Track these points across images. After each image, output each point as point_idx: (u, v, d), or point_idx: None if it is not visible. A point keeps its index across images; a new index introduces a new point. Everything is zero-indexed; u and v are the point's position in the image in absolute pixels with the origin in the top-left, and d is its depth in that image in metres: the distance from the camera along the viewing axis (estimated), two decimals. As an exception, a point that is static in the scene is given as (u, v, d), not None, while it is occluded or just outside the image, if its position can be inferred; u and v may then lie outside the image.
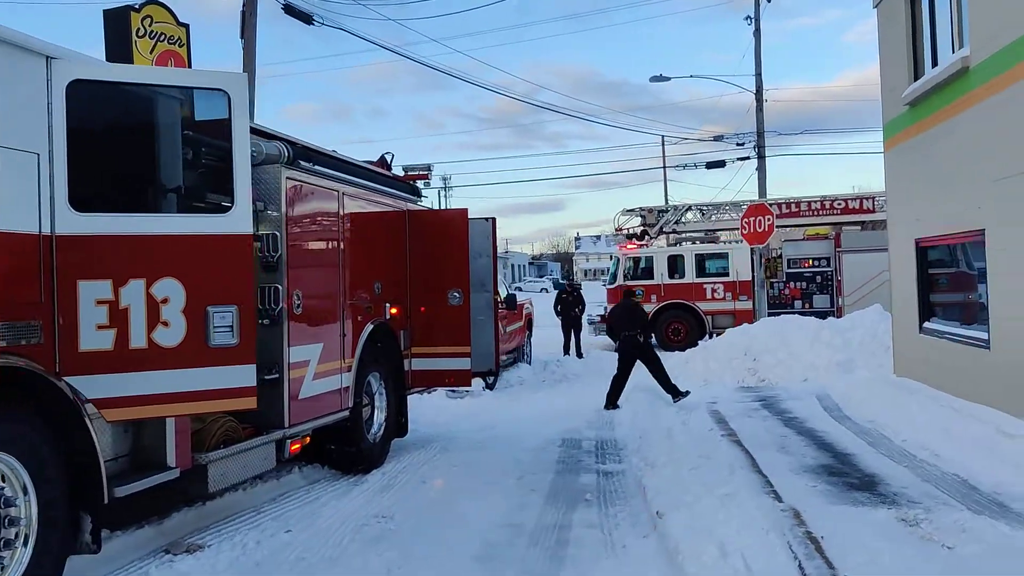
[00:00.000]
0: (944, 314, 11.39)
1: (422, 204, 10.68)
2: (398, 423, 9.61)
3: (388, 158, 10.62)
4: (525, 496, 7.73)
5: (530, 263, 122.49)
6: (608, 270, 26.68)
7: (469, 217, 10.23)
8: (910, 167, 11.94)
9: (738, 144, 36.03)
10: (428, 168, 10.55)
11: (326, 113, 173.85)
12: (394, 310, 9.37)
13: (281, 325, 7.11)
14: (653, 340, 13.61)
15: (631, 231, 25.65)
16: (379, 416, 9.18)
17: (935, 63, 10.92)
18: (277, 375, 7.09)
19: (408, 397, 10.00)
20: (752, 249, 22.70)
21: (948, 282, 11.64)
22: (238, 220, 5.53)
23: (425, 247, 9.77)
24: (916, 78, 11.46)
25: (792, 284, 23.17)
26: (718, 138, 37.01)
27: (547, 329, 30.38)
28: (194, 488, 6.18)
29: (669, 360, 17.42)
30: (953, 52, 10.23)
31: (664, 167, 56.03)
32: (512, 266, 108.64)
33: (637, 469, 8.41)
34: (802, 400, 13.44)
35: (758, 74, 35.72)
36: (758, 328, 17.02)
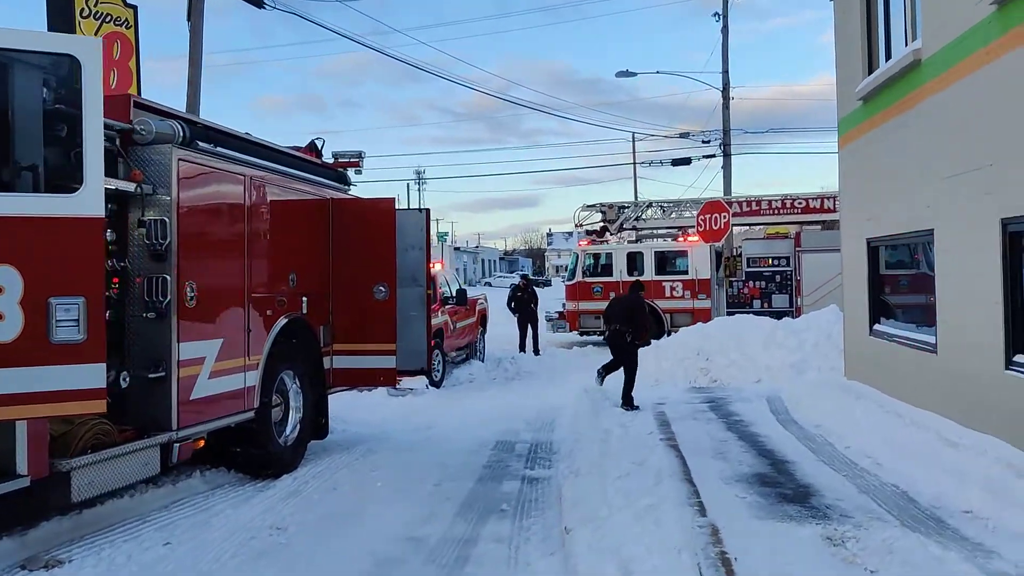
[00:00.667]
0: (894, 317, 11.01)
1: (353, 193, 10.12)
2: (317, 424, 9.07)
3: (319, 144, 10.07)
4: (438, 505, 7.22)
5: (501, 258, 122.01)
6: (567, 267, 26.18)
7: (400, 208, 9.70)
8: (862, 165, 11.56)
9: (704, 142, 35.73)
10: (359, 155, 9.99)
11: (298, 105, 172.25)
12: (313, 304, 8.80)
13: (169, 319, 6.53)
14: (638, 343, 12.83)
15: (592, 227, 25.19)
16: (294, 417, 8.63)
17: (888, 56, 10.52)
18: (163, 373, 6.51)
19: (330, 396, 9.46)
20: (711, 247, 22.39)
21: (899, 284, 11.27)
22: (87, 201, 4.96)
23: (350, 238, 9.21)
24: (870, 72, 11.06)
25: (751, 283, 22.85)
26: (684, 135, 36.66)
27: (507, 326, 30.01)
28: (55, 498, 5.61)
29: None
30: (906, 45, 9.82)
31: (635, 163, 55.88)
32: (483, 261, 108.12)
33: (563, 476, 7.93)
34: (751, 402, 13.06)
35: (725, 71, 35.37)
36: (712, 328, 16.63)
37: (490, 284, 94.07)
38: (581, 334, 23.73)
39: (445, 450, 9.45)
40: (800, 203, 23.02)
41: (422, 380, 14.46)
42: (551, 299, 28.62)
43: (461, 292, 17.27)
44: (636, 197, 45.86)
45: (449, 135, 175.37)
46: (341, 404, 12.28)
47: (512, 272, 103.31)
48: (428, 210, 9.91)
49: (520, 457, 9.13)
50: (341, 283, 9.20)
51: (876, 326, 11.28)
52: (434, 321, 16.05)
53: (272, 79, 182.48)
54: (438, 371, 15.86)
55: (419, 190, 78.43)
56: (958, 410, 8.39)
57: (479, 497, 7.47)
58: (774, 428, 10.58)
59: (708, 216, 17.84)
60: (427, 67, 63.95)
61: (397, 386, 11.10)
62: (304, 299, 8.56)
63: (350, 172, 10.08)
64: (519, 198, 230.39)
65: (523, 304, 21.55)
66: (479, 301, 19.80)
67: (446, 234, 53.06)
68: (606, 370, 13.26)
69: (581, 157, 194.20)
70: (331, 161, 9.97)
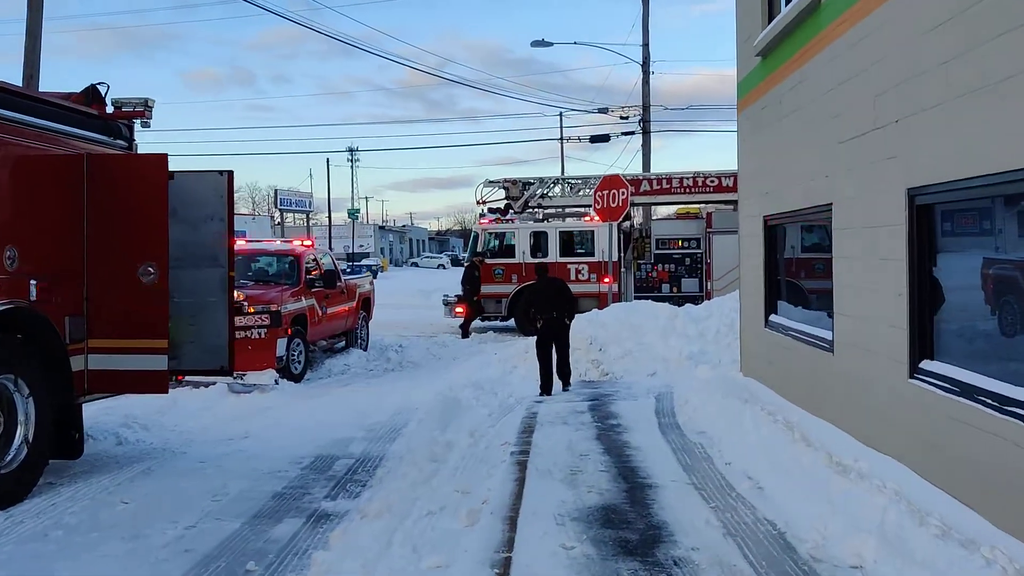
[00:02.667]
0: (791, 307, 9.55)
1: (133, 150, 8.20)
2: (64, 440, 7.21)
3: (102, 90, 8.16)
4: (168, 563, 5.45)
5: (431, 239, 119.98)
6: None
7: (194, 170, 7.86)
8: (759, 132, 10.05)
9: (622, 118, 34.32)
10: (145, 104, 8.09)
11: (229, 79, 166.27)
12: (49, 289, 6.90)
13: None
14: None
15: (495, 205, 23.48)
16: (20, 433, 6.75)
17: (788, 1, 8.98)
18: None
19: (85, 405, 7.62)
20: (612, 226, 20.87)
21: (797, 269, 9.81)
22: None
23: (110, 206, 7.35)
24: (769, 21, 9.52)
25: (660, 266, 21.45)
26: (602, 110, 35.24)
27: (415, 311, 28.20)
28: None
29: (510, 348, 15.44)
30: (808, -14, 8.28)
31: (561, 139, 54.49)
32: (411, 240, 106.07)
33: (351, 515, 6.23)
34: (638, 400, 11.60)
35: (645, 44, 33.98)
36: (607, 315, 15.10)
37: (416, 264, 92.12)
38: (483, 319, 22.09)
39: (240, 471, 7.70)
40: (712, 181, 21.63)
41: (270, 375, 12.65)
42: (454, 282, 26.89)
43: (330, 274, 15.41)
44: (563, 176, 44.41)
45: (384, 113, 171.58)
46: (156, 405, 10.45)
47: (441, 252, 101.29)
48: (231, 173, 8.05)
49: (330, 481, 7.41)
50: (100, 263, 7.34)
51: (772, 317, 9.82)
52: (295, 306, 14.27)
53: (202, 52, 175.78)
54: (298, 364, 14.05)
55: (353, 169, 75.92)
56: (855, 423, 6.93)
57: (231, 548, 5.72)
58: (651, 435, 9.06)
59: (606, 192, 16.25)
60: (359, 43, 61.27)
61: (236, 384, 9.26)
62: (33, 283, 6.68)
63: (136, 126, 8.17)
64: (454, 178, 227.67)
65: (478, 284, 20.36)
66: (361, 285, 17.96)
67: (357, 211, 50.67)
68: (546, 378, 11.96)
69: (516, 141, 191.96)
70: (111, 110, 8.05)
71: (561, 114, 54.05)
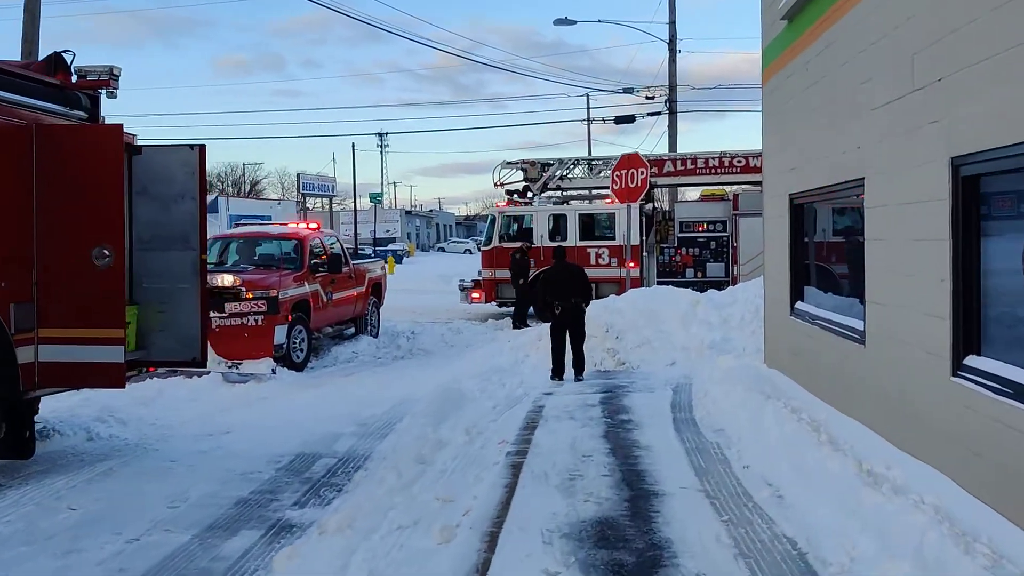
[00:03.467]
0: (819, 294, 8.75)
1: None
2: (13, 439, 6.61)
3: (68, 58, 7.54)
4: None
5: (458, 223, 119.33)
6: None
7: (164, 144, 7.21)
8: (785, 103, 9.23)
9: (648, 98, 33.37)
10: (110, 72, 7.44)
11: (257, 65, 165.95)
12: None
13: None
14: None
15: (513, 187, 22.70)
16: (-41, 433, 6.17)
17: (816, -45, 8.14)
18: None
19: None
20: (640, 210, 20.06)
21: (826, 252, 9.00)
22: None
23: (60, 181, 6.69)
24: (795, -20, 8.67)
25: (684, 250, 20.59)
26: (628, 90, 34.30)
27: (433, 296, 27.56)
28: None
29: (523, 335, 14.75)
30: (837, -62, 7.44)
31: (588, 120, 53.50)
32: (437, 225, 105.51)
33: (317, 529, 5.55)
34: (654, 392, 10.88)
35: (672, 22, 32.95)
36: (624, 301, 14.33)
37: (443, 249, 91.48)
38: (499, 305, 21.39)
39: (211, 471, 7.07)
40: (739, 161, 20.67)
41: (267, 364, 12.04)
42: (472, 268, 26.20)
43: (335, 258, 14.74)
44: (584, 156, 43.51)
45: (413, 98, 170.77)
46: (140, 396, 9.90)
47: (468, 237, 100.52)
48: (203, 147, 7.39)
49: (304, 484, 6.75)
50: (50, 244, 6.70)
51: (798, 305, 9.02)
52: (297, 292, 13.65)
53: (230, 39, 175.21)
54: (300, 352, 13.43)
55: (381, 153, 75.36)
56: (889, 424, 6.15)
57: (170, 569, 5.05)
58: (664, 433, 8.33)
59: (624, 172, 15.41)
60: (388, 27, 60.41)
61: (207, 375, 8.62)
62: (-32, 266, 6.07)
63: (103, 97, 7.52)
64: (482, 163, 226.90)
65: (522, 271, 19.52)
66: (371, 270, 17.29)
67: (380, 196, 49.94)
68: (558, 362, 11.67)
69: (543, 122, 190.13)
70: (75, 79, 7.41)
71: (588, 95, 53.17)
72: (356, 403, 10.43)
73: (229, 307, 12.07)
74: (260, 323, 12.16)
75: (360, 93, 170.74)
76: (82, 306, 6.64)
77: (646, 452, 7.54)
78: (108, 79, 7.43)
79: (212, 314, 12.11)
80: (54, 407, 9.03)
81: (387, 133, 76.01)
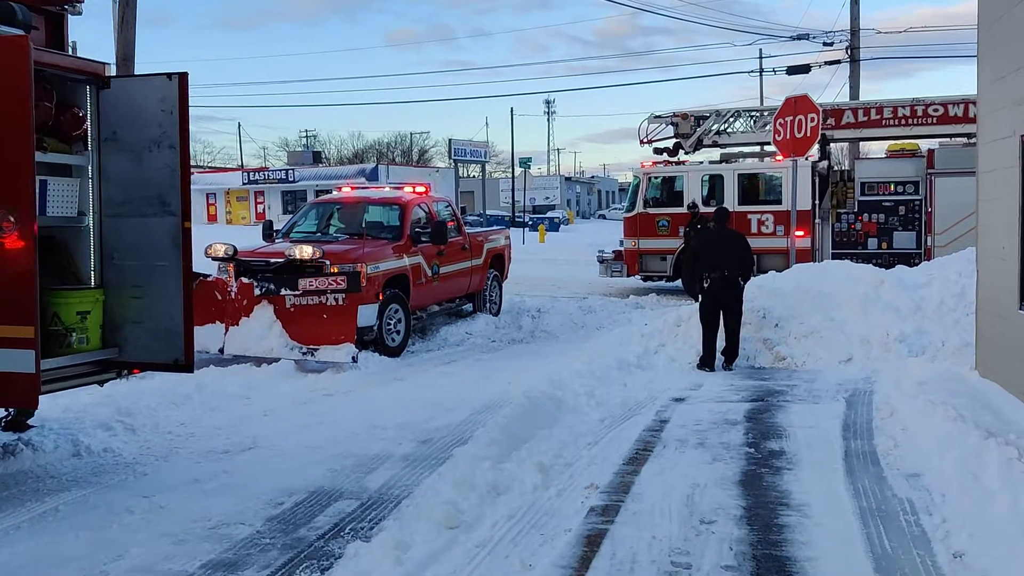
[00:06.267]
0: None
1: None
2: None
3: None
4: None
5: (621, 190, 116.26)
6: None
7: (132, 75, 5.30)
8: (1014, 6, 6.34)
9: (825, 44, 29.60)
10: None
11: (428, 36, 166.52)
12: None
13: None
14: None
15: (662, 144, 20.01)
16: None
17: None
18: None
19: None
20: (813, 168, 17.01)
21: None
22: None
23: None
24: None
25: (866, 217, 17.35)
26: (802, 37, 30.59)
27: (576, 268, 25.33)
28: None
29: (661, 318, 12.23)
30: None
31: (761, 70, 49.42)
32: (599, 192, 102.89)
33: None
34: (820, 403, 8.35)
35: (854, -46, 28.99)
36: (786, 280, 11.57)
37: (604, 216, 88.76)
38: (644, 279, 18.88)
39: (177, 518, 5.14)
40: (936, 110, 17.16)
41: (347, 350, 10.18)
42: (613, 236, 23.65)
43: (439, 227, 12.68)
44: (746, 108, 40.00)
45: (581, 65, 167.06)
46: (176, 392, 8.23)
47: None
48: (183, 75, 5.42)
49: (284, 554, 4.64)
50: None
51: (1036, 295, 6.20)
52: (391, 265, 11.74)
53: (403, 11, 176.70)
54: (396, 335, 11.54)
55: (548, 121, 73.49)
56: None
57: None
58: (830, 479, 5.84)
59: (789, 119, 12.50)
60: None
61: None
62: None
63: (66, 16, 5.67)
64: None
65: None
66: (492, 240, 15.19)
67: (529, 160, 47.65)
68: (709, 348, 10.06)
69: (711, 75, 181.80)
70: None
71: (760, 50, 49.20)
72: (433, 406, 8.38)
73: (303, 283, 10.26)
74: (341, 302, 10.27)
75: (526, 60, 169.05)
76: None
77: (799, 518, 5.07)
78: (63, -11, 5.60)
79: (284, 291, 10.41)
80: (67, 404, 7.47)
81: (553, 99, 73.66)
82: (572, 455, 6.38)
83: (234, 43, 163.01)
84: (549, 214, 62.03)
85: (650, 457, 6.40)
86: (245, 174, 62.14)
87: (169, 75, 5.52)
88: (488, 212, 58.41)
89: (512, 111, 62.19)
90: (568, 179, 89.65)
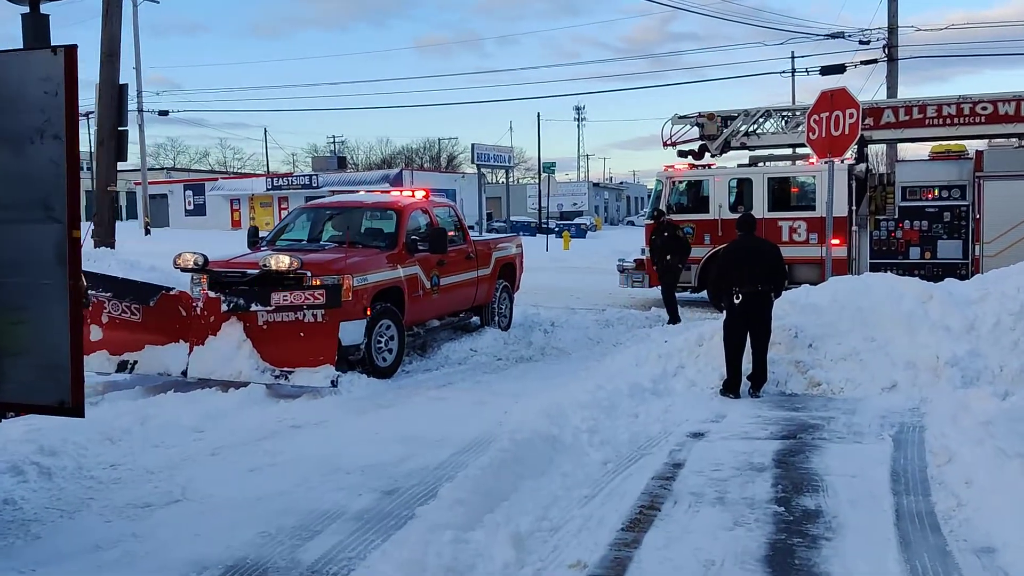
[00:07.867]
0: None
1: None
2: None
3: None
4: None
5: (649, 196, 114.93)
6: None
7: (15, 49, 4.24)
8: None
9: (861, 43, 28.20)
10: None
11: (457, 43, 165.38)
12: None
13: None
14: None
15: (687, 146, 18.76)
16: None
17: None
18: None
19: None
20: (850, 172, 15.72)
21: None
22: None
23: None
24: None
25: (907, 224, 16.01)
26: (836, 35, 29.20)
27: (598, 276, 24.14)
28: None
29: (682, 335, 11.02)
30: None
31: (792, 71, 47.93)
32: (627, 198, 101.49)
33: None
34: (863, 442, 7.17)
35: (892, -51, 27.57)
36: (821, 295, 10.32)
37: (632, 223, 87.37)
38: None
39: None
40: (984, 108, 15.77)
41: (326, 373, 9.12)
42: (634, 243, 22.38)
43: (438, 234, 11.54)
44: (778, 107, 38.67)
45: (610, 71, 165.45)
46: (109, 425, 7.17)
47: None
48: (71, 48, 4.37)
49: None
50: None
51: None
52: (382, 277, 10.63)
53: (431, 17, 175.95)
54: (387, 354, 10.45)
55: (578, 127, 72.37)
56: None
57: None
58: (882, 554, 4.69)
59: (825, 116, 11.25)
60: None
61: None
62: None
63: None
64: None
65: (657, 251, 15.44)
66: (501, 248, 14.06)
67: (553, 165, 46.44)
68: (733, 371, 9.08)
69: (742, 76, 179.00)
70: None
71: (792, 52, 47.66)
72: (412, 442, 7.25)
73: (276, 298, 9.17)
74: (320, 319, 9.18)
75: (555, 67, 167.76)
76: None
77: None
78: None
79: (255, 307, 9.35)
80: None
81: (583, 105, 72.47)
82: (560, 516, 5.23)
83: (265, 49, 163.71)
84: (576, 220, 61.08)
85: (656, 519, 5.23)
86: (269, 180, 61.58)
87: (54, 49, 4.45)
88: (514, 218, 57.43)
89: (539, 116, 61.08)
90: (596, 185, 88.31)
